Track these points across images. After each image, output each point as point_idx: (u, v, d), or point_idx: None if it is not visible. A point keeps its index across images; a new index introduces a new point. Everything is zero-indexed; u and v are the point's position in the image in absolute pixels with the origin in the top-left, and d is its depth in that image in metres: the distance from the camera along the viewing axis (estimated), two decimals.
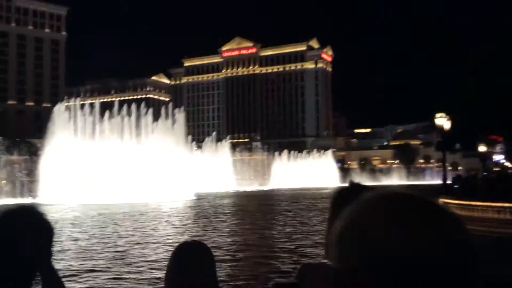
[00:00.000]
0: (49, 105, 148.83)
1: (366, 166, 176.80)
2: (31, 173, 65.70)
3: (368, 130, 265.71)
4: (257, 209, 47.81)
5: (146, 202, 55.19)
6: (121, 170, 64.75)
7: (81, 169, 65.42)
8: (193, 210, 45.79)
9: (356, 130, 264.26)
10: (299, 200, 61.16)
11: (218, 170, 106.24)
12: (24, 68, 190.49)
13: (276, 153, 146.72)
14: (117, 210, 44.03)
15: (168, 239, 24.40)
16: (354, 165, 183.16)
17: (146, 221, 34.29)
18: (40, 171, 65.21)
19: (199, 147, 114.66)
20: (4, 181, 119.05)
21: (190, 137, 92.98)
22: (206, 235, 26.13)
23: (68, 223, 33.12)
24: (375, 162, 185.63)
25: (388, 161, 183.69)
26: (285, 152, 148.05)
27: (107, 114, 71.95)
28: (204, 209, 47.19)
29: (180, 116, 77.36)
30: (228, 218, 37.58)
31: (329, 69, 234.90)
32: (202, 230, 28.97)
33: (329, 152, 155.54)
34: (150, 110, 77.05)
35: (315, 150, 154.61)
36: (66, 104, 74.13)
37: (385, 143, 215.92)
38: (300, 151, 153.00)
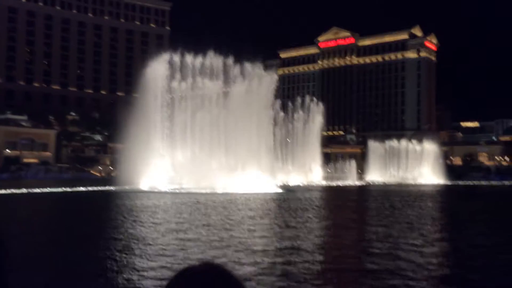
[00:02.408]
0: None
1: (471, 162, 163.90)
2: (124, 161, 68.96)
3: (475, 124, 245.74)
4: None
5: (236, 192, 55.69)
6: (216, 161, 66.12)
7: (176, 158, 67.97)
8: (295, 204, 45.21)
9: (462, 124, 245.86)
10: (396, 197, 57.96)
11: (310, 163, 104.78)
12: (131, 61, 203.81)
13: (372, 146, 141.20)
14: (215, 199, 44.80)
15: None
16: (458, 161, 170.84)
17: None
18: (134, 159, 67.86)
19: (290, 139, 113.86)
20: (111, 167, 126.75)
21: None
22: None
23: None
24: (482, 159, 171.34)
25: (497, 158, 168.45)
26: (381, 144, 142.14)
27: (206, 105, 73.67)
28: (295, 203, 46.38)
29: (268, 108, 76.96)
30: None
31: (433, 58, 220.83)
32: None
33: (430, 145, 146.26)
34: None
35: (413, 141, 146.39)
36: (170, 96, 77.08)
37: (494, 138, 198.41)
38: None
